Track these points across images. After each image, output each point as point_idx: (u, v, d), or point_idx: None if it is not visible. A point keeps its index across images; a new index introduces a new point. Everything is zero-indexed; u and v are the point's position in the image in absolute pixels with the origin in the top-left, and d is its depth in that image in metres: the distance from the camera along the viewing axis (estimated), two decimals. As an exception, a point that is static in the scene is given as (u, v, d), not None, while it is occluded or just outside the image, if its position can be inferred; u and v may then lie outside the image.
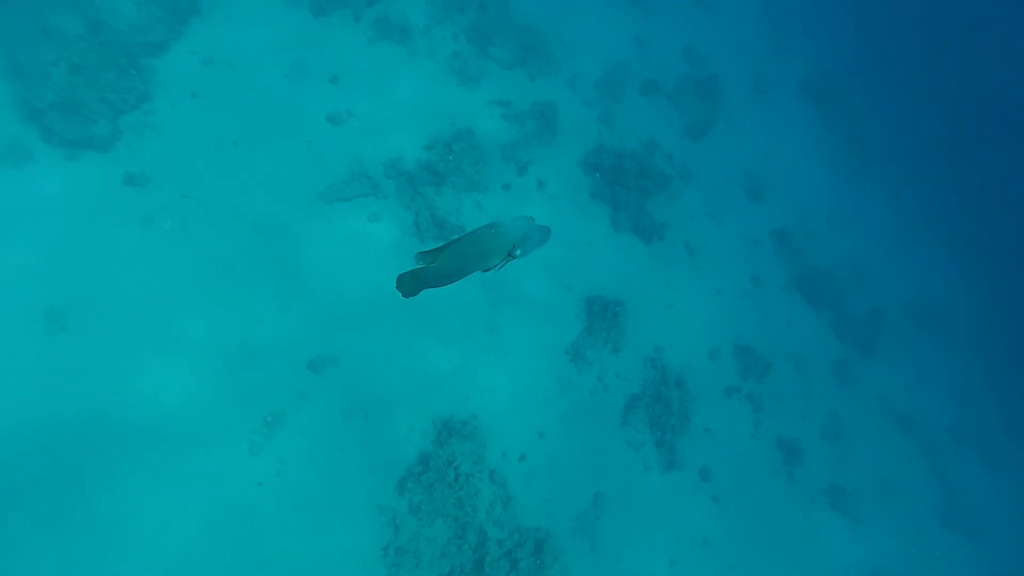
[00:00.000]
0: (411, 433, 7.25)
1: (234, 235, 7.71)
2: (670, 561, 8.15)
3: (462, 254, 2.74)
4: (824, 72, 18.23)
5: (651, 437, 8.75)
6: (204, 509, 6.03)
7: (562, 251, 9.73)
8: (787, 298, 12.57)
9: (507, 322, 8.51)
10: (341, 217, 8.42)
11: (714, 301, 11.09)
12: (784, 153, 15.69)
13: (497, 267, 2.91)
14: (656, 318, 10.02)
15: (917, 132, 20.04)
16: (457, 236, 2.80)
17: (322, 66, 9.85)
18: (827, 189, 16.04)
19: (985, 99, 21.14)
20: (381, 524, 6.56)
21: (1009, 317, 16.82)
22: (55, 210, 6.98)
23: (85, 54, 7.34)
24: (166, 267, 7.16)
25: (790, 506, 9.79)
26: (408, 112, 9.88)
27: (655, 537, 8.20)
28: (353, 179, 8.63)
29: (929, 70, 20.97)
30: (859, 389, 12.25)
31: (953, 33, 21.67)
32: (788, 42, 18.21)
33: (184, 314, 6.94)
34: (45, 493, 5.67)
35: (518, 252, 2.88)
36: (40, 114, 7.16)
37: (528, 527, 7.17)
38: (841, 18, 20.47)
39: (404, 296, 2.78)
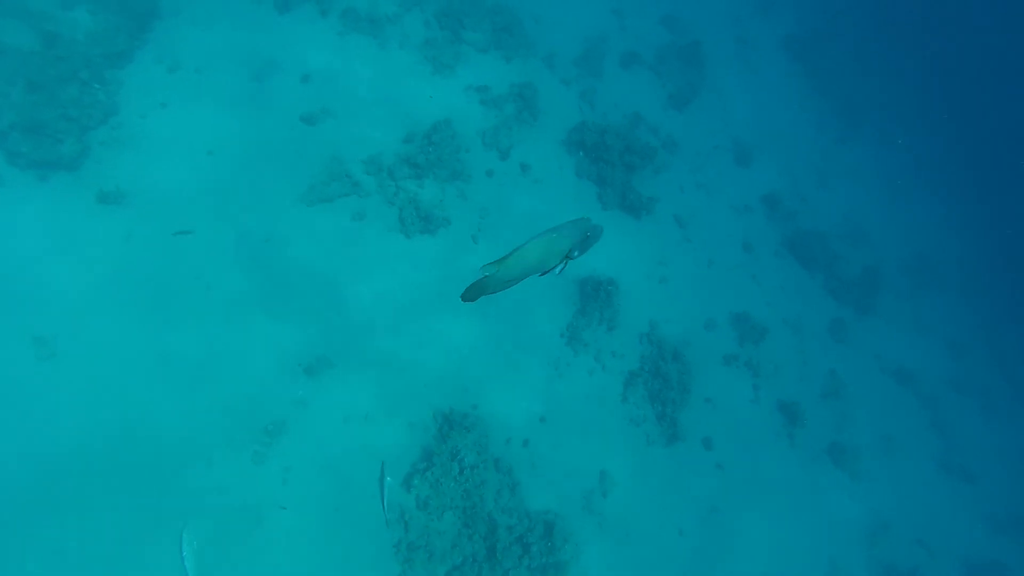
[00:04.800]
0: (412, 429, 7.29)
1: (218, 246, 7.64)
2: (679, 531, 8.29)
3: (524, 261, 2.82)
4: (808, 29, 17.92)
5: (652, 412, 8.82)
6: (211, 521, 6.08)
7: (551, 234, 9.66)
8: (780, 263, 12.55)
9: (499, 311, 8.49)
10: (324, 219, 8.34)
11: (707, 272, 11.08)
12: (771, 115, 15.51)
13: (557, 270, 2.95)
14: (650, 293, 10.01)
15: (905, 84, 19.78)
16: (519, 243, 2.85)
17: (292, 65, 9.64)
18: (816, 149, 15.89)
19: (972, 45, 20.83)
20: (390, 522, 6.63)
21: (1004, 265, 16.84)
22: (32, 235, 6.88)
23: (42, 70, 7.13)
24: (152, 284, 7.10)
25: (794, 467, 9.92)
26: (384, 106, 9.71)
27: (663, 509, 8.32)
28: (333, 179, 8.51)
29: (913, 19, 20.60)
30: (856, 347, 12.32)
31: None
32: (770, 1, 17.84)
33: (174, 330, 6.91)
34: (47, 519, 5.71)
35: (575, 253, 2.96)
36: (3, 136, 6.99)
37: (537, 511, 7.27)
38: (821, -29, 20.02)
39: (463, 301, 2.88)
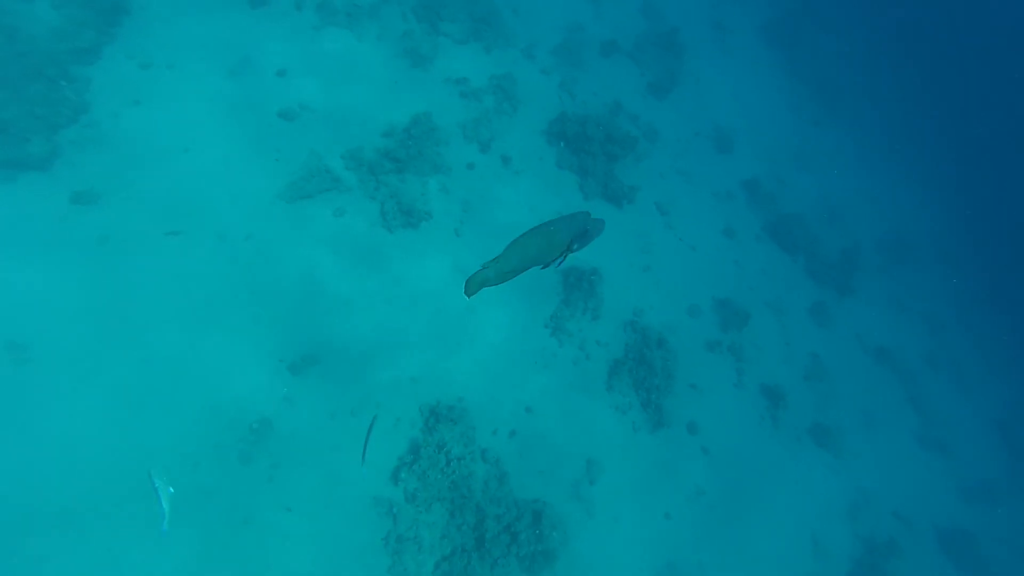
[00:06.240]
0: (399, 423, 7.32)
1: (197, 246, 7.55)
2: (666, 515, 8.44)
3: (523, 252, 2.85)
4: (784, 13, 18.02)
5: (637, 399, 8.94)
6: (198, 523, 6.08)
7: (532, 224, 9.67)
8: (762, 247, 12.73)
9: (484, 303, 8.52)
10: (305, 216, 8.28)
11: (690, 258, 11.20)
12: (750, 101, 15.63)
13: (557, 263, 2.96)
14: (633, 282, 10.11)
15: (878, 65, 20.03)
16: (518, 235, 2.88)
17: (268, 60, 9.51)
18: (794, 133, 16.07)
19: (944, 26, 21.11)
20: (379, 515, 6.68)
21: (975, 241, 17.23)
22: (1, 237, 6.74)
23: (4, 66, 6.93)
24: (130, 286, 7.01)
25: (777, 448, 10.13)
26: (362, 99, 9.63)
27: (649, 494, 8.47)
28: (313, 175, 8.44)
29: (886, 2, 20.82)
30: (837, 328, 12.57)
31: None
32: (745, -14, 17.90)
33: (155, 332, 6.84)
34: (26, 528, 5.65)
35: (575, 247, 2.97)
36: (-37, 135, 6.82)
37: (525, 500, 7.35)
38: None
39: (468, 296, 2.90)
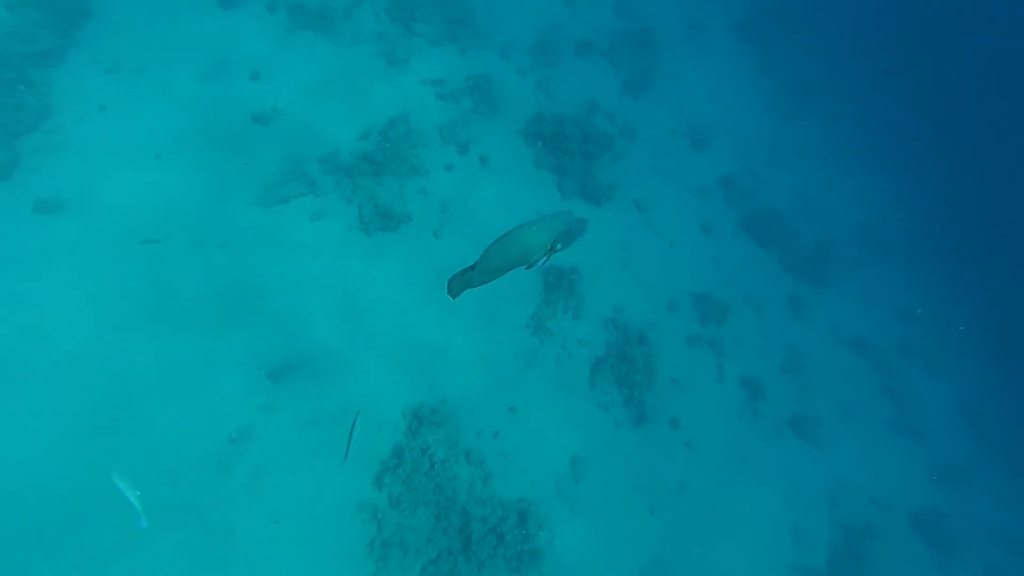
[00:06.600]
0: (382, 427, 7.28)
1: (172, 254, 7.41)
2: (650, 509, 8.54)
3: (505, 252, 2.81)
4: (756, 11, 18.30)
5: (619, 396, 9.02)
6: (180, 538, 5.97)
7: (511, 225, 9.70)
8: (738, 242, 12.93)
9: (465, 305, 8.51)
10: (281, 221, 8.17)
11: (668, 255, 11.33)
12: (724, 98, 15.85)
13: (541, 263, 2.96)
14: (613, 279, 10.19)
15: (849, 59, 20.45)
16: (500, 235, 2.84)
17: (240, 63, 9.36)
18: (767, 128, 16.34)
19: (915, 21, 21.65)
20: (363, 521, 6.64)
21: (944, 233, 17.72)
22: (-34, 252, 6.54)
23: (-45, 71, 6.73)
24: (102, 296, 6.85)
25: (758, 440, 10.32)
26: (338, 102, 9.54)
27: (633, 489, 8.55)
28: (288, 179, 8.34)
29: (855, -1, 21.26)
30: (813, 320, 12.83)
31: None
32: (717, -16, 18.12)
33: (129, 343, 6.70)
34: (5, 555, 5.50)
35: (559, 247, 2.94)
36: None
37: (510, 500, 7.38)
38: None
39: (452, 298, 2.88)
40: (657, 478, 8.80)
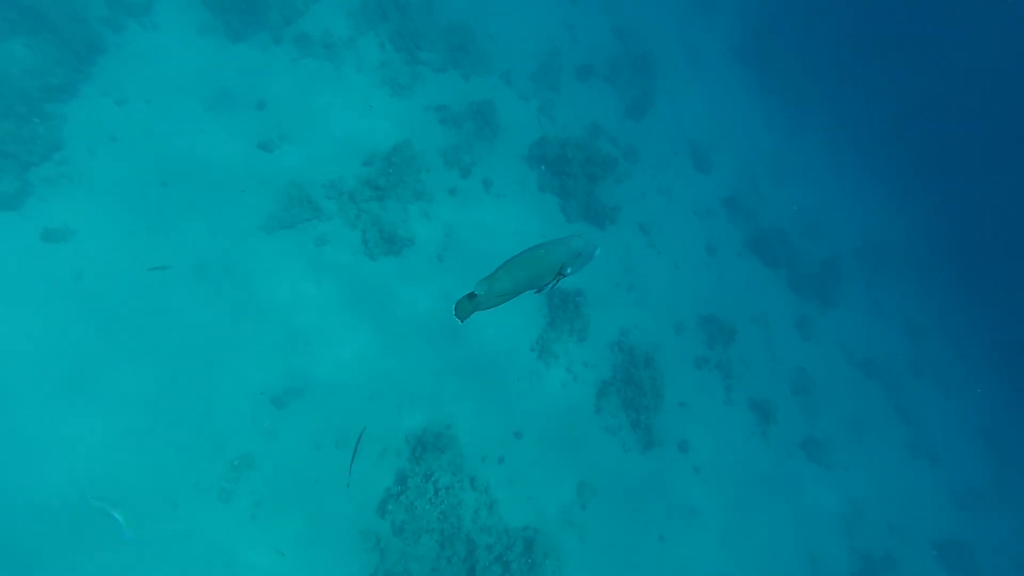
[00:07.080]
0: (385, 454, 7.18)
1: (176, 279, 7.45)
2: (659, 537, 8.32)
3: (514, 276, 2.76)
4: (753, 32, 18.58)
5: (626, 419, 8.88)
6: (177, 568, 5.86)
7: (515, 248, 9.70)
8: (744, 263, 12.88)
9: (469, 329, 8.47)
10: (286, 246, 8.22)
11: (674, 276, 11.29)
12: (725, 118, 15.99)
13: (550, 286, 2.91)
14: (618, 302, 10.14)
15: (848, 77, 20.64)
16: (509, 258, 2.80)
17: (247, 93, 9.54)
18: (770, 148, 16.43)
19: (912, 37, 21.86)
20: (366, 550, 6.50)
21: (951, 247, 17.59)
22: (-25, 280, 6.60)
23: (-29, 107, 6.90)
24: (106, 323, 6.87)
25: (769, 464, 10.10)
26: (342, 129, 9.68)
27: (642, 516, 8.36)
28: (293, 205, 8.41)
29: (854, 12, 21.54)
30: (822, 340, 12.68)
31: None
32: (714, 7, 18.46)
33: (132, 371, 6.69)
34: (6, 578, 5.43)
35: (568, 271, 2.89)
36: (-68, 175, 6.72)
37: (516, 528, 7.21)
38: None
39: (460, 321, 2.82)
40: (667, 504, 8.60)
